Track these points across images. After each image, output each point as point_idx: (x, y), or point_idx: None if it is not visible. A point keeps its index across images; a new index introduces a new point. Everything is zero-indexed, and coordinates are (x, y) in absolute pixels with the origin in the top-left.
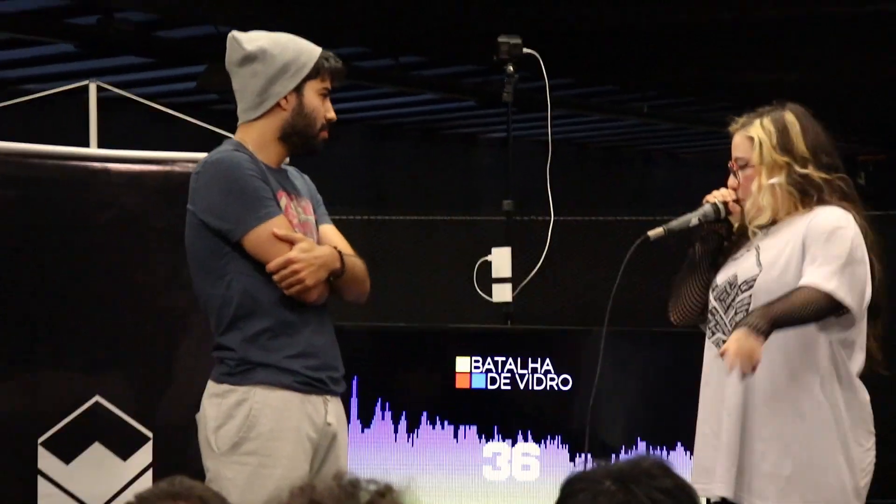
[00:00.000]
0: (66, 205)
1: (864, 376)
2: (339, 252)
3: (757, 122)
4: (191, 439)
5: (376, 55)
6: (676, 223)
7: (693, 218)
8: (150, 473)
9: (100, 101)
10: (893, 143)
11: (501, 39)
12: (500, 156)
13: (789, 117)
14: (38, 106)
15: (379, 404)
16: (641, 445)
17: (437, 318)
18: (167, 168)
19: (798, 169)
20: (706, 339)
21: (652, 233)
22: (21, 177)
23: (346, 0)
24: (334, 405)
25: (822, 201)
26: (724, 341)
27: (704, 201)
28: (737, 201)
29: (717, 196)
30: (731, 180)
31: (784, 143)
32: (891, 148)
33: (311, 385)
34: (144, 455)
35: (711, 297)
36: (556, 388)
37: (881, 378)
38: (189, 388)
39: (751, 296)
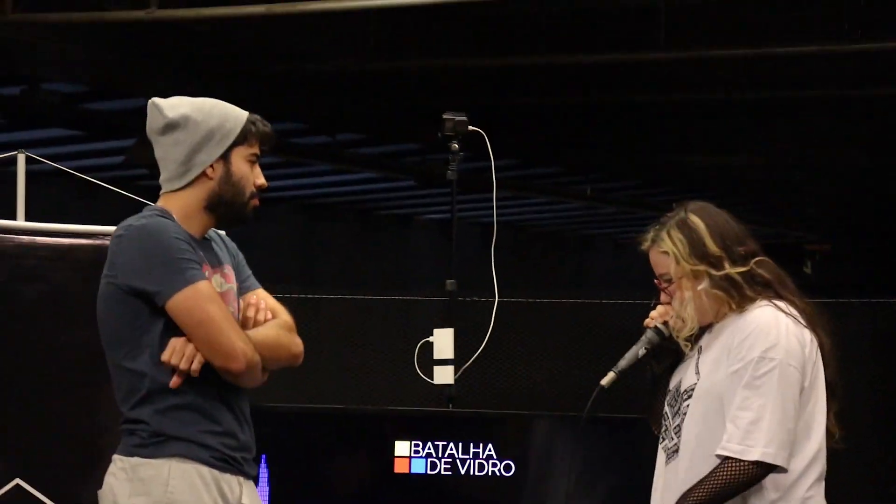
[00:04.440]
0: None
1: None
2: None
3: (665, 234)
4: None
5: (313, 132)
6: (625, 361)
7: (640, 349)
8: None
9: (28, 174)
10: (839, 232)
11: (446, 116)
12: (436, 238)
13: (693, 220)
14: None
15: (310, 490)
16: None
17: (374, 401)
18: (96, 242)
19: (715, 273)
20: (659, 443)
21: (605, 380)
22: None
23: (282, 75)
24: (249, 487)
25: (746, 298)
26: (672, 449)
27: (645, 326)
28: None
29: (657, 318)
30: (664, 296)
31: (696, 249)
32: (836, 238)
33: (227, 463)
34: None
35: (665, 402)
36: (498, 473)
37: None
38: None
39: (689, 405)
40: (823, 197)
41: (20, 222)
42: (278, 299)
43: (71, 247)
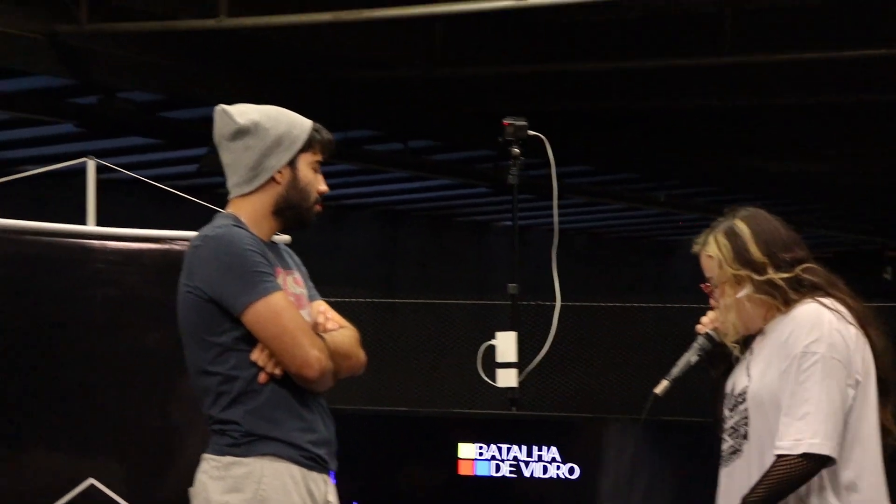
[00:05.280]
0: (62, 282)
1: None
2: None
3: (712, 239)
4: None
5: (386, 139)
6: (678, 369)
7: (692, 357)
8: None
9: (105, 182)
10: None
11: (507, 121)
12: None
13: (739, 226)
14: (42, 186)
15: (376, 491)
16: None
17: (443, 403)
18: (165, 246)
19: (758, 277)
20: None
21: (659, 389)
22: (17, 254)
23: (355, 83)
24: (332, 485)
25: (790, 302)
26: (729, 451)
27: (696, 332)
28: None
29: (707, 324)
30: (713, 302)
31: (739, 254)
32: None
33: (314, 462)
34: None
35: (724, 406)
36: (562, 476)
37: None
38: (184, 468)
39: (746, 409)
40: None
41: (90, 227)
42: (357, 303)
43: (140, 251)
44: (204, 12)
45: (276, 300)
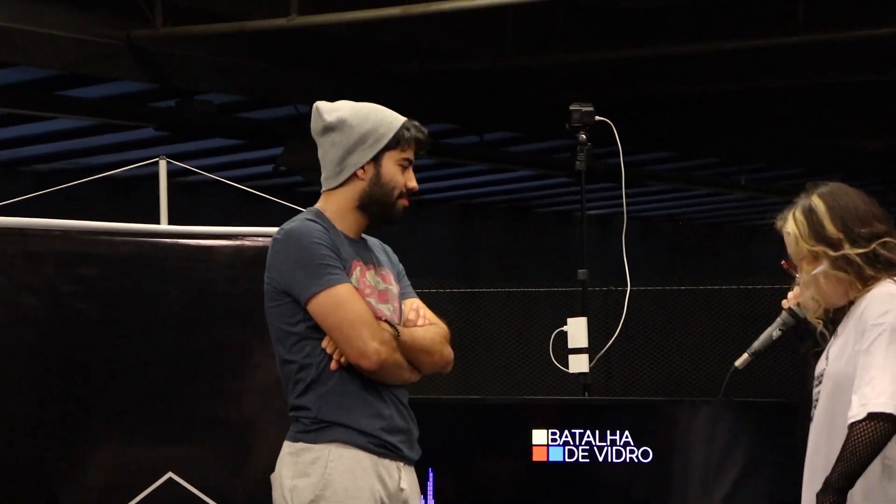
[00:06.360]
0: (137, 280)
1: None
2: (392, 325)
3: (790, 216)
4: None
5: (463, 132)
6: (759, 343)
7: (774, 331)
8: None
9: (190, 184)
10: None
11: (573, 107)
12: (597, 232)
13: (815, 201)
14: (123, 190)
15: (453, 479)
16: None
17: (523, 391)
18: (236, 243)
19: (833, 253)
20: None
21: (739, 361)
22: (92, 254)
23: (428, 76)
24: (407, 472)
25: (867, 279)
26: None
27: (781, 307)
28: None
29: (792, 299)
30: (798, 278)
31: (814, 230)
32: None
33: (385, 448)
34: None
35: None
36: (636, 459)
37: None
38: (261, 459)
39: (819, 392)
40: None
41: (163, 226)
42: (437, 294)
43: (212, 248)
44: (275, 12)
45: (338, 292)
